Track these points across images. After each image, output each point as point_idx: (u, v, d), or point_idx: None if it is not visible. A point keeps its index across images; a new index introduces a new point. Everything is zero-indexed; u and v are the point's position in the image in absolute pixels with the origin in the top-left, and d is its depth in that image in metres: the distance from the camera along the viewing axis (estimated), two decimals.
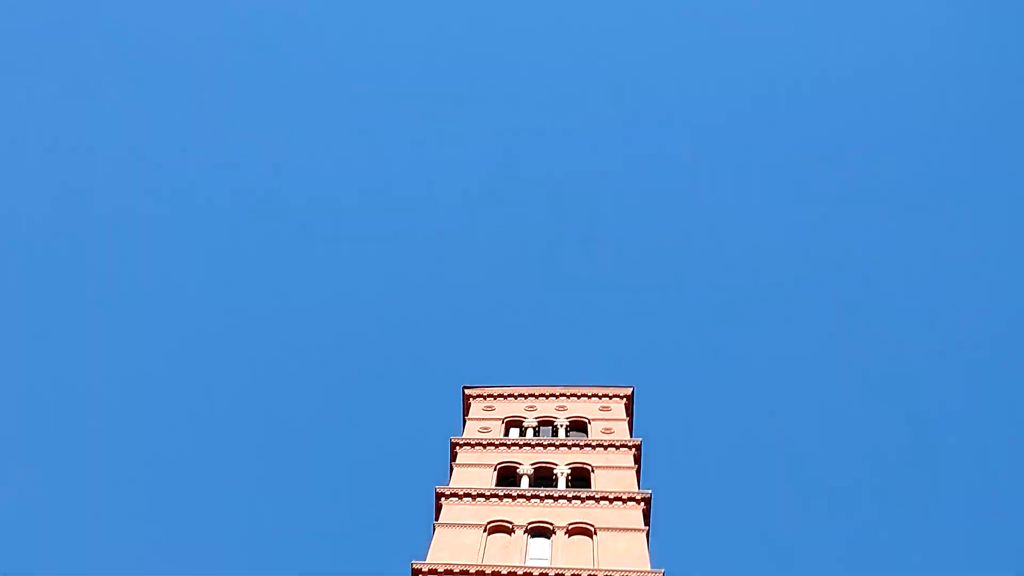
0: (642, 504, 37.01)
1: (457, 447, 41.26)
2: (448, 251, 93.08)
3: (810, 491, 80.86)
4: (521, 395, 45.16)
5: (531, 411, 44.24)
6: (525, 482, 38.99)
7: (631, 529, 35.46)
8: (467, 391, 45.24)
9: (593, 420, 43.36)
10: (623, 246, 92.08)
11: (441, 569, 32.84)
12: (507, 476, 39.78)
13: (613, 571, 32.56)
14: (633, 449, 40.88)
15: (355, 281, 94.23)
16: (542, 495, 37.28)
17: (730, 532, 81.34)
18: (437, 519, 36.57)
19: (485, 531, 35.50)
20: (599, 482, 38.59)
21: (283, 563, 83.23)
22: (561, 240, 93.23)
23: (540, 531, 35.91)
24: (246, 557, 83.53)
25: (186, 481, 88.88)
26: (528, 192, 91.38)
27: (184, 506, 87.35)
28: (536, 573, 32.54)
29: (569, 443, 41.11)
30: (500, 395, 45.17)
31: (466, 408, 45.06)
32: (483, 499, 37.26)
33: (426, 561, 33.31)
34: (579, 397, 45.04)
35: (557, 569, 32.74)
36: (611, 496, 37.09)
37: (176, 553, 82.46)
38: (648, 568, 33.00)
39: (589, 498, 37.09)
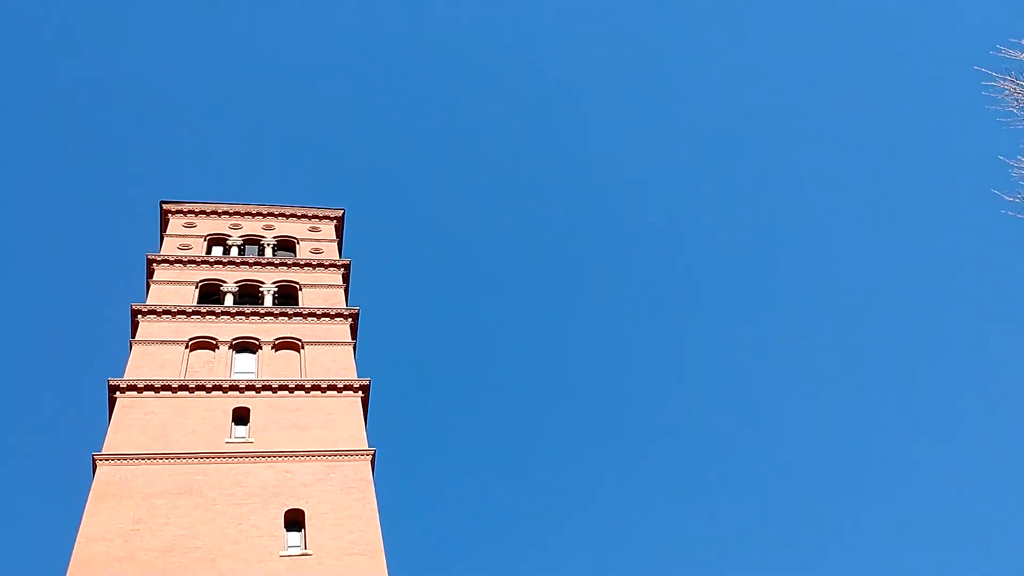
0: (349, 320, 37.85)
1: (154, 264, 39.22)
2: (155, 55, 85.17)
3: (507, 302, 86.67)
4: (225, 212, 43.45)
5: (236, 229, 42.84)
6: (229, 300, 38.21)
7: (338, 343, 36.31)
8: (165, 206, 42.70)
9: (302, 240, 42.96)
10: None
11: (140, 385, 31.85)
12: (210, 294, 38.69)
13: (321, 380, 33.38)
14: (342, 268, 41.28)
15: (54, 80, 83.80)
16: (248, 311, 36.87)
17: (431, 347, 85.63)
18: (134, 336, 35.06)
19: (187, 347, 34.67)
20: (307, 299, 38.77)
21: None
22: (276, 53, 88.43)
23: (246, 346, 35.71)
24: None
25: None
26: None
27: None
28: (243, 384, 32.55)
29: (276, 261, 40.58)
30: (202, 211, 43.16)
31: (164, 224, 42.64)
32: (184, 316, 36.13)
33: (124, 377, 32.09)
34: (288, 217, 44.21)
35: (264, 380, 32.96)
36: (319, 312, 37.52)
37: None
38: (355, 376, 34.19)
39: (296, 314, 37.26)
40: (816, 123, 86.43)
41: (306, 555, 26.34)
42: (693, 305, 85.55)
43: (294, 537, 27.29)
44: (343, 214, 45.19)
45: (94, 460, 28.47)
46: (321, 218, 44.76)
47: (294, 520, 27.84)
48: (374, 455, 30.80)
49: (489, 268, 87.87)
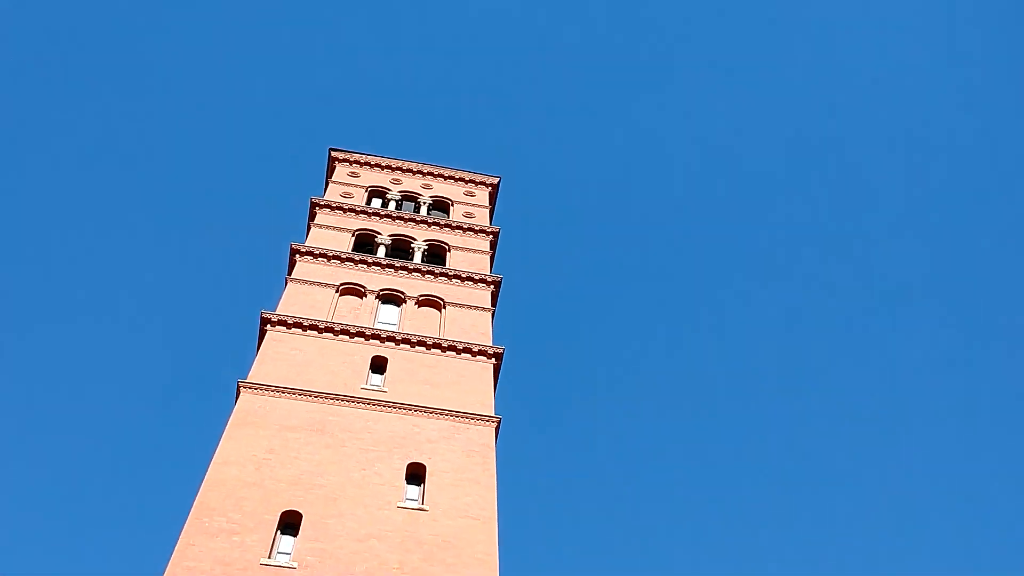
0: (492, 287, 38.27)
1: (317, 207, 40.78)
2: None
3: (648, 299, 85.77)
4: (388, 166, 44.65)
5: (396, 184, 43.97)
6: (382, 251, 39.29)
7: (479, 307, 36.76)
8: (334, 153, 44.24)
9: (456, 202, 43.66)
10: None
11: (290, 321, 33.24)
12: (365, 243, 39.91)
13: (457, 342, 33.91)
14: (491, 236, 41.73)
15: (232, 29, 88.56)
16: (397, 265, 37.81)
17: (567, 324, 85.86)
18: (290, 275, 36.60)
19: (337, 291, 35.93)
20: (454, 261, 39.42)
21: (146, 307, 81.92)
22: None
23: (391, 298, 36.67)
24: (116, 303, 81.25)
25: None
26: None
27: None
28: (384, 334, 33.46)
29: (430, 220, 41.42)
30: (367, 163, 44.50)
31: (330, 171, 44.23)
32: (338, 261, 37.44)
33: (276, 312, 33.56)
34: (446, 178, 45.01)
35: (404, 333, 33.75)
36: (464, 275, 38.09)
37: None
38: (490, 343, 34.56)
39: (443, 274, 37.95)
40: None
41: (422, 510, 26.89)
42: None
43: (413, 490, 27.92)
44: (499, 182, 45.59)
45: (238, 387, 29.94)
46: (477, 183, 45.33)
47: (415, 474, 28.46)
48: (499, 423, 31.09)
49: (639, 255, 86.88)
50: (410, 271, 37.73)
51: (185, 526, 24.40)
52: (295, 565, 24.01)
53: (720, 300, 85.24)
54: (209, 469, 26.56)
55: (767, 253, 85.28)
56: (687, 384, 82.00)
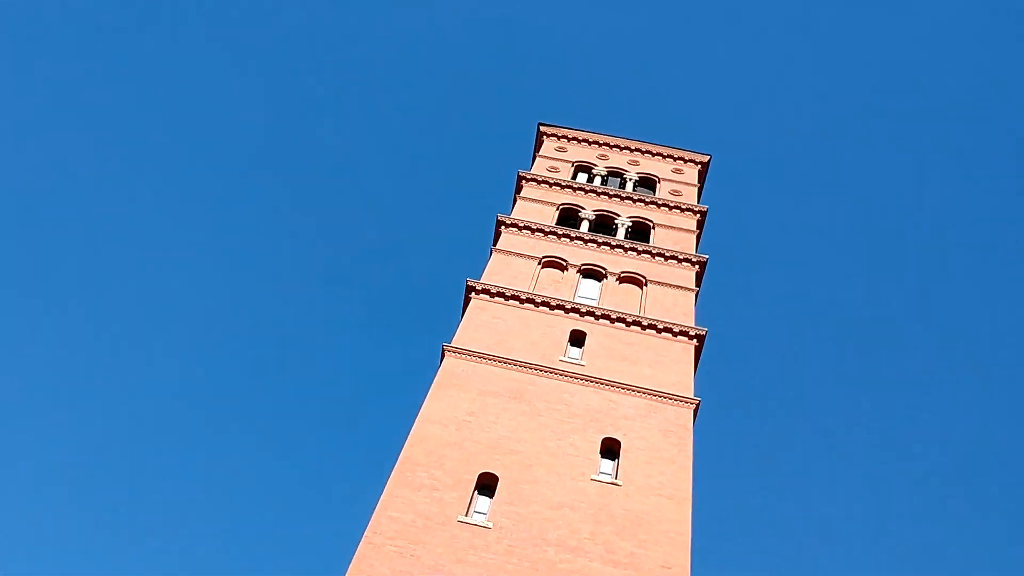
0: (696, 267, 37.42)
1: (524, 181, 41.36)
2: None
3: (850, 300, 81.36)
4: (595, 142, 44.56)
5: (602, 159, 43.83)
6: (585, 226, 39.31)
7: (682, 287, 36.06)
8: (542, 127, 44.66)
9: (663, 180, 42.95)
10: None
11: (493, 290, 33.97)
12: (569, 218, 40.08)
13: (658, 321, 33.45)
14: (698, 215, 40.76)
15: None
16: (599, 240, 37.72)
17: (772, 310, 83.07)
18: (495, 245, 37.38)
19: (539, 264, 36.33)
20: (658, 239, 38.82)
21: (365, 272, 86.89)
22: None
23: (592, 273, 36.67)
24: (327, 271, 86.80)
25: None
26: None
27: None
28: (584, 308, 33.55)
29: (635, 197, 40.98)
30: (574, 138, 44.61)
31: (538, 145, 44.69)
32: (541, 234, 37.82)
33: (480, 280, 34.41)
34: (653, 155, 44.37)
35: (604, 309, 33.69)
36: (667, 253, 37.46)
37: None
38: (692, 324, 33.85)
39: (646, 251, 37.50)
40: None
41: (615, 484, 26.83)
42: None
43: (607, 464, 27.91)
44: (708, 160, 44.40)
45: (443, 350, 30.98)
46: (686, 161, 44.38)
47: (609, 448, 28.43)
48: (698, 405, 30.45)
49: (851, 244, 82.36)
50: (612, 247, 37.56)
51: (390, 478, 25.60)
52: (490, 525, 24.65)
53: (938, 294, 79.43)
54: (414, 426, 27.70)
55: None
56: (888, 379, 77.24)
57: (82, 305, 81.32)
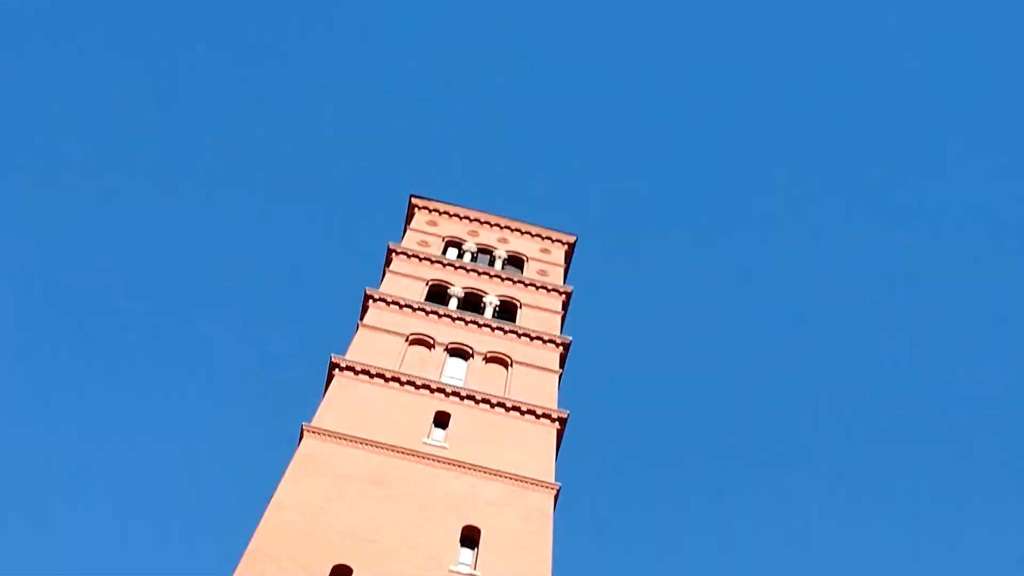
0: (560, 348, 37.88)
1: (394, 254, 41.05)
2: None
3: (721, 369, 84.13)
4: (467, 217, 44.82)
5: (473, 236, 44.09)
6: (454, 303, 39.26)
7: (546, 369, 36.36)
8: (414, 200, 44.61)
9: (531, 259, 43.54)
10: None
11: (358, 368, 33.26)
12: (437, 294, 39.95)
13: (522, 403, 33.50)
14: (564, 296, 41.43)
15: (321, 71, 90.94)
16: (467, 319, 37.69)
17: (635, 392, 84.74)
18: (361, 320, 36.75)
19: (407, 341, 35.92)
20: (524, 319, 39.16)
21: (216, 345, 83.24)
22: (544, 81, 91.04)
23: (459, 352, 36.52)
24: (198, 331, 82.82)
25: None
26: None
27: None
28: (449, 389, 33.25)
29: (503, 276, 41.31)
30: (446, 212, 44.74)
31: (409, 217, 44.58)
32: (410, 310, 37.49)
33: (345, 357, 33.65)
34: (522, 233, 45.00)
35: (470, 390, 33.50)
36: (533, 334, 37.78)
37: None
38: (555, 407, 34.07)
39: (512, 331, 37.69)
40: None
41: (474, 575, 26.37)
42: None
43: (466, 554, 27.43)
44: (575, 240, 45.38)
45: (303, 430, 29.95)
46: (554, 240, 45.20)
47: (469, 536, 27.98)
48: (558, 490, 30.48)
49: (714, 330, 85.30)
50: (480, 326, 37.59)
51: (237, 571, 24.28)
52: None
53: (796, 374, 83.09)
54: (266, 513, 26.50)
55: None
56: (752, 457, 79.96)
57: None
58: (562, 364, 37.65)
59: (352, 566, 25.46)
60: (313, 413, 31.13)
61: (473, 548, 27.66)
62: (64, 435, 77.23)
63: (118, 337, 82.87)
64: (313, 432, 29.91)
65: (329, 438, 29.85)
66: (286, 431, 31.36)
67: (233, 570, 24.39)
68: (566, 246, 44.97)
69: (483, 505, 29.08)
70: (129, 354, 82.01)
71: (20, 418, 77.53)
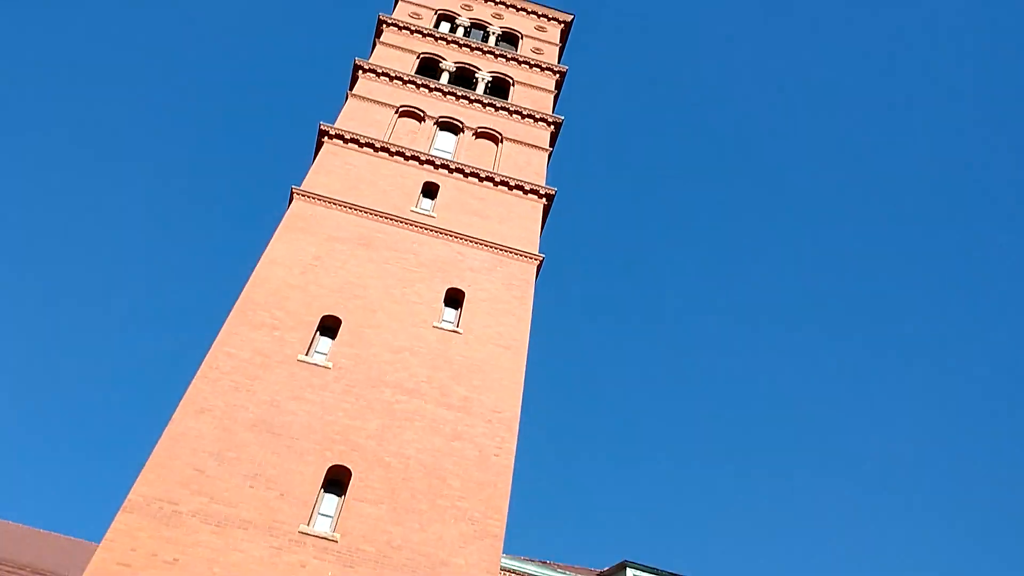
0: (552, 127, 37.81)
1: (384, 25, 40.08)
2: None
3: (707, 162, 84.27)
4: None
5: (466, 10, 42.87)
6: (445, 78, 38.76)
7: (536, 146, 36.46)
8: None
9: (526, 36, 42.57)
10: None
11: (347, 136, 33.34)
12: (429, 68, 39.37)
13: (511, 178, 33.87)
14: (557, 75, 40.86)
15: None
16: (459, 93, 37.35)
17: (619, 173, 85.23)
18: (351, 90, 36.43)
19: (396, 113, 35.80)
20: (516, 96, 38.81)
21: (211, 110, 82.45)
22: None
23: (449, 126, 36.48)
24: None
25: None
26: None
27: None
28: (438, 161, 33.52)
29: (497, 52, 40.54)
30: None
31: None
32: (400, 82, 37.08)
33: (334, 125, 33.65)
34: (518, 10, 43.72)
35: (459, 163, 33.77)
36: (525, 111, 37.59)
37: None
38: (543, 183, 34.49)
39: (504, 108, 37.49)
40: None
41: (456, 332, 27.67)
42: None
43: (450, 313, 28.67)
44: (572, 20, 44.20)
45: (292, 193, 30.46)
46: (550, 19, 44.03)
47: (453, 298, 29.13)
48: (541, 261, 31.44)
49: (701, 119, 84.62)
50: (471, 101, 37.32)
51: (230, 316, 25.48)
52: (330, 365, 25.11)
53: (780, 174, 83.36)
54: (257, 267, 27.44)
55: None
56: (729, 248, 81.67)
57: None
58: (552, 143, 37.73)
59: (340, 317, 26.70)
60: (303, 178, 31.55)
61: (457, 308, 28.87)
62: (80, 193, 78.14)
63: (115, 94, 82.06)
64: (302, 195, 30.42)
65: (318, 201, 30.40)
66: (279, 195, 31.83)
67: (226, 316, 25.58)
68: (562, 25, 43.86)
69: (468, 271, 30.06)
70: (128, 112, 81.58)
71: None
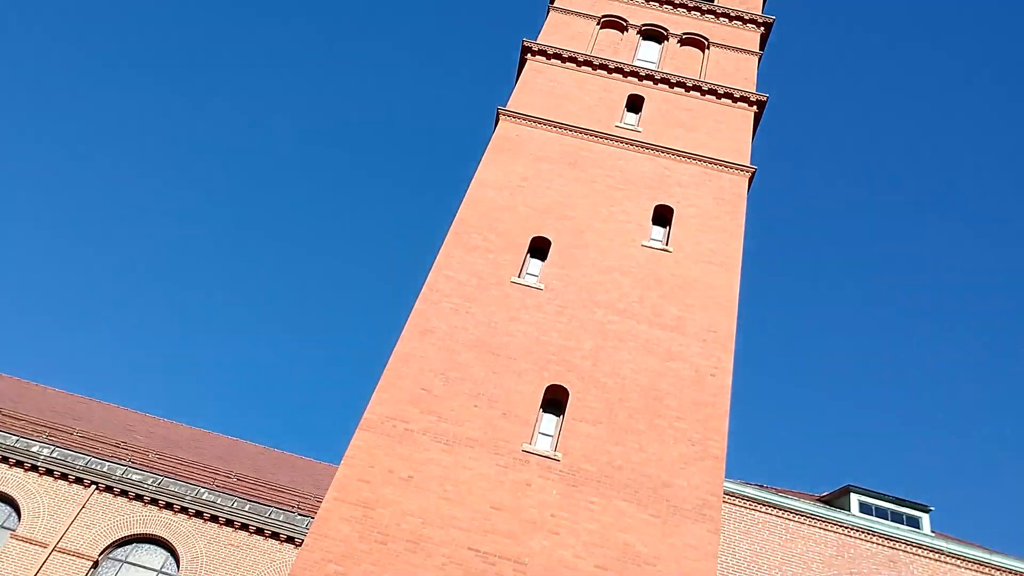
0: (762, 28, 35.72)
1: None
2: None
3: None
4: None
5: None
6: None
7: (745, 50, 34.63)
8: None
9: None
10: None
11: (550, 52, 32.98)
12: None
13: (718, 85, 32.46)
14: None
15: None
16: None
17: (836, 80, 79.90)
18: (552, 2, 35.84)
19: (598, 24, 34.95)
20: None
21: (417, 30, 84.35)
22: None
23: (652, 34, 35.26)
24: None
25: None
26: None
27: None
28: (643, 72, 32.58)
29: None
30: None
31: None
32: None
33: (537, 41, 33.34)
34: None
35: (664, 73, 32.68)
36: (732, 13, 35.68)
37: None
38: (753, 90, 32.83)
39: (710, 11, 35.75)
40: None
41: (665, 250, 27.22)
42: None
43: (658, 231, 28.21)
44: None
45: (498, 114, 30.65)
46: None
47: (661, 215, 28.60)
48: (753, 173, 30.15)
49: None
50: (675, 5, 35.80)
51: (446, 239, 26.29)
52: (542, 287, 25.47)
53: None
54: (469, 189, 28.01)
55: None
56: (950, 153, 75.09)
57: None
58: (762, 46, 35.69)
59: (550, 238, 26.91)
60: (508, 98, 31.62)
61: (665, 227, 28.35)
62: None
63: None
64: (508, 116, 30.54)
65: (524, 121, 30.44)
66: (485, 115, 32.20)
67: (442, 241, 26.40)
68: None
69: (676, 187, 29.34)
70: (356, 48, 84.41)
71: None
